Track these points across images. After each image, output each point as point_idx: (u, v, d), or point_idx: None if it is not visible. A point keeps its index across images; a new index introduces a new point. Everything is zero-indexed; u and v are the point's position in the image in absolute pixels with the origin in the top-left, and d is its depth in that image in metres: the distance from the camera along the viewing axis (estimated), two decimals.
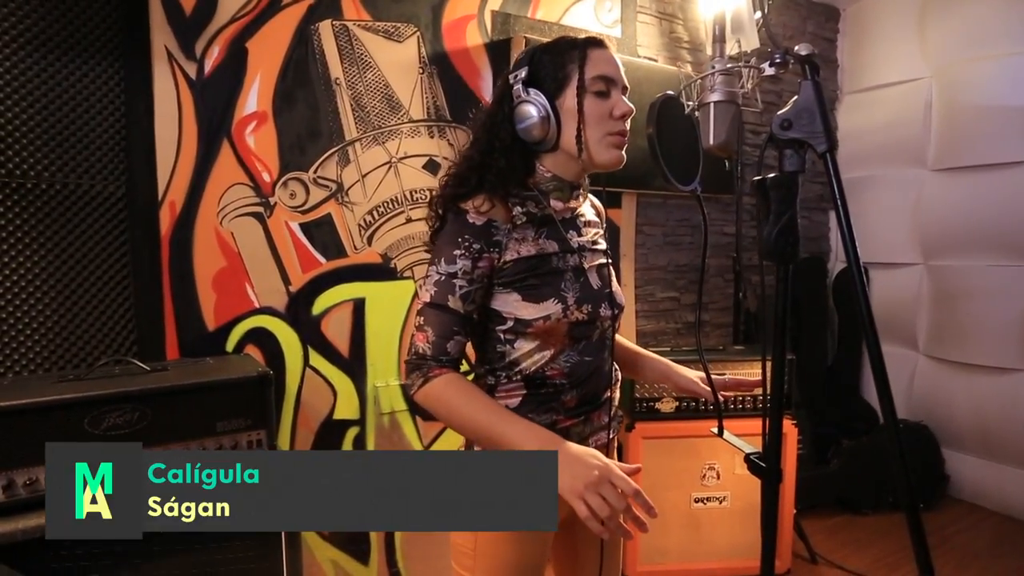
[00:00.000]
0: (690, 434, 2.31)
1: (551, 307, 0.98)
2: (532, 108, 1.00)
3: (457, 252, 0.96)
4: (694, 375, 1.20)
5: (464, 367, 1.01)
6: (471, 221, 0.96)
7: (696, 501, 2.35)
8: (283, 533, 1.54)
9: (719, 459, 2.35)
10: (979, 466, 3.02)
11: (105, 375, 1.48)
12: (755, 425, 2.46)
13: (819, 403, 3.23)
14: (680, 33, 2.78)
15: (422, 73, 2.12)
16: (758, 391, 1.17)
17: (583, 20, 2.48)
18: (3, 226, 1.55)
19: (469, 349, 1.06)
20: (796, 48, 0.82)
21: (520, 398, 1.01)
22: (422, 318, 0.97)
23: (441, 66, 2.15)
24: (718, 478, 2.36)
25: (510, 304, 0.99)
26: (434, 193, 1.05)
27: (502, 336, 1.01)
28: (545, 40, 1.10)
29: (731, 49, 2.70)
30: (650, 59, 2.65)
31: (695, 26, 2.77)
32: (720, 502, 2.37)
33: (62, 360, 1.65)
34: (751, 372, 2.39)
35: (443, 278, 0.96)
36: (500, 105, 1.05)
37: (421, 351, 0.96)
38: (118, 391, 1.38)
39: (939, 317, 3.10)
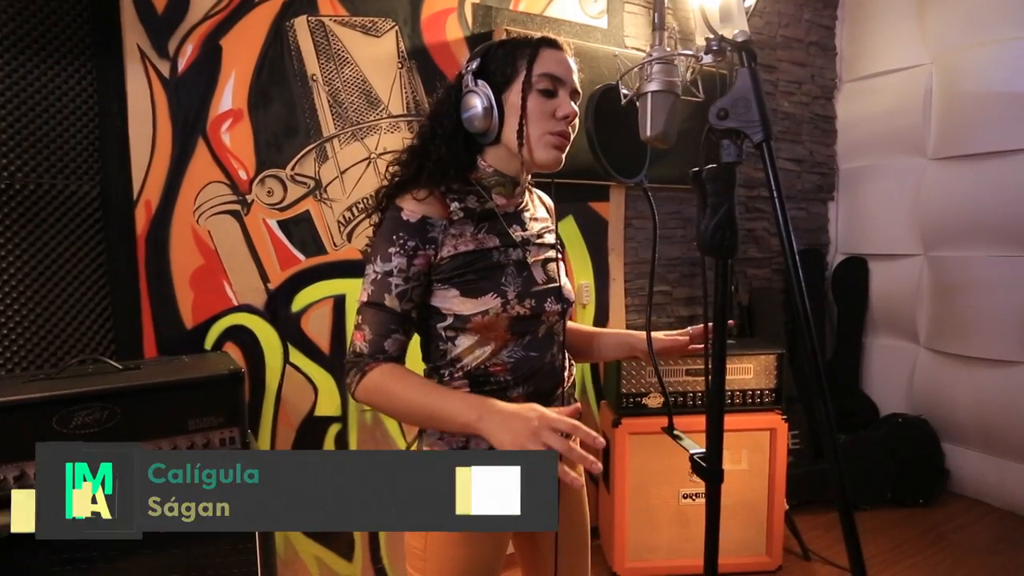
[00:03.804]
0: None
1: (489, 302, 0.97)
2: (477, 99, 0.99)
3: (392, 250, 0.95)
4: (658, 335, 1.15)
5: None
6: (405, 219, 0.96)
7: (684, 497, 2.32)
8: (256, 533, 1.54)
9: None
10: (980, 461, 2.96)
11: (77, 374, 1.49)
12: (735, 420, 2.42)
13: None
14: (669, 22, 2.73)
15: (401, 68, 2.10)
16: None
17: (568, 11, 2.45)
18: None
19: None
20: (733, 35, 0.79)
21: (466, 392, 0.99)
22: (360, 317, 0.96)
23: (420, 60, 2.13)
24: None
25: (449, 300, 0.98)
26: (379, 187, 1.04)
27: (443, 333, 1.00)
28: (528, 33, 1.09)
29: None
30: (638, 50, 2.61)
31: (684, 15, 2.72)
32: None
33: (39, 359, 1.66)
34: (739, 367, 2.36)
35: (379, 276, 0.95)
36: (448, 94, 1.04)
37: (359, 349, 0.95)
38: (86, 390, 1.38)
39: (940, 309, 3.04)
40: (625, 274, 2.68)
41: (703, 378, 2.33)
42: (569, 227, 2.53)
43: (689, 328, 1.15)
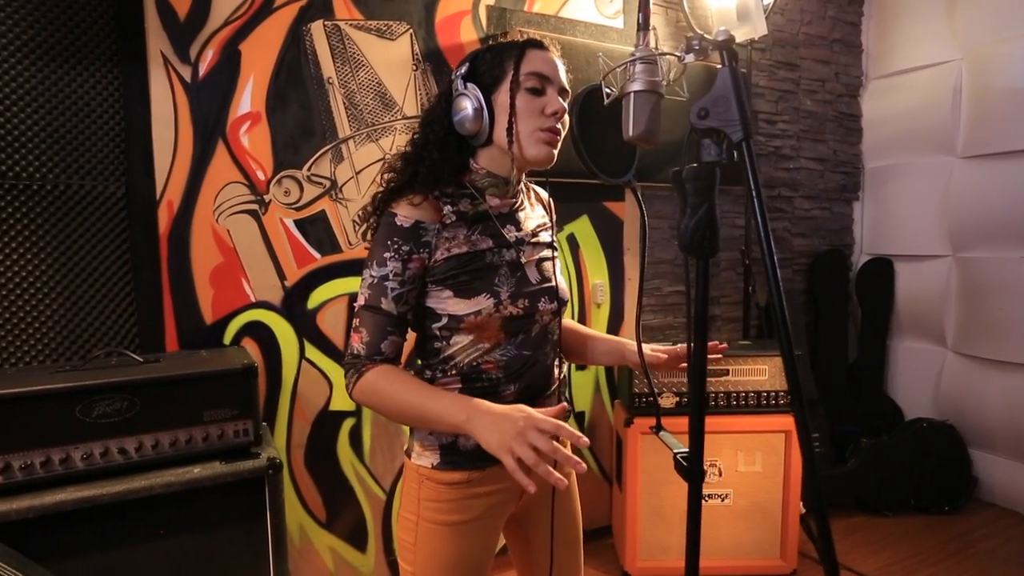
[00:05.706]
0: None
1: (482, 302, 0.99)
2: (467, 101, 1.01)
3: (387, 255, 0.98)
4: (646, 348, 1.17)
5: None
6: (399, 224, 0.98)
7: None
8: (268, 522, 1.60)
9: (721, 456, 2.31)
10: (1011, 468, 2.87)
11: (100, 366, 1.56)
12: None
13: (839, 400, 3.13)
14: (681, 20, 2.71)
15: (415, 70, 2.14)
16: (716, 357, 1.14)
17: (583, 12, 2.45)
18: (11, 225, 1.65)
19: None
20: (714, 34, 0.80)
21: (456, 393, 1.01)
22: (357, 320, 0.99)
23: (435, 63, 2.17)
24: (720, 475, 2.32)
25: (443, 301, 1.00)
26: (376, 192, 1.07)
27: (438, 333, 1.02)
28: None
29: (743, 37, 2.63)
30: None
31: (703, 14, 2.70)
32: (722, 499, 2.33)
33: (68, 352, 1.74)
34: (754, 368, 2.34)
35: (375, 280, 0.98)
36: (439, 100, 1.07)
37: (356, 351, 0.98)
38: (108, 381, 1.45)
39: (969, 311, 2.95)
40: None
41: (714, 379, 2.32)
42: (584, 227, 2.54)
43: (678, 346, 1.17)
